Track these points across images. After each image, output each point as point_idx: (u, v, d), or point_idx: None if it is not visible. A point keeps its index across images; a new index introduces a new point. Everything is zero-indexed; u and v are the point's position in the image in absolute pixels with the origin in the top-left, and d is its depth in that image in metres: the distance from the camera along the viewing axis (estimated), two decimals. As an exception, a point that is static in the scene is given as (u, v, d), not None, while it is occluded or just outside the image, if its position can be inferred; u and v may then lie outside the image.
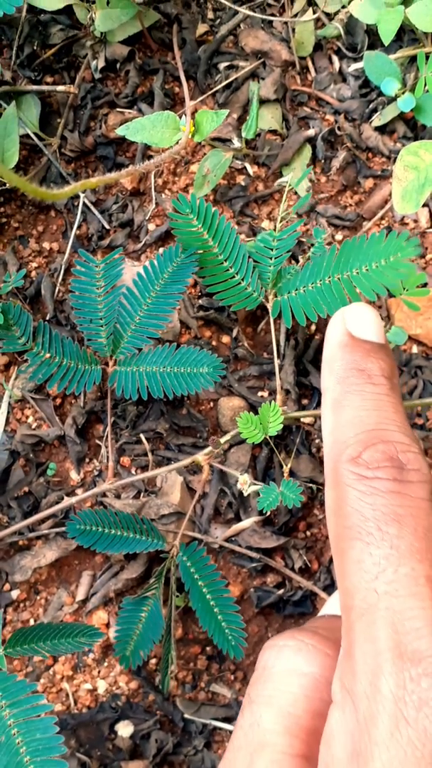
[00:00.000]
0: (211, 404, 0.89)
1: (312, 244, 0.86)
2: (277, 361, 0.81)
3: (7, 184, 0.89)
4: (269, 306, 0.78)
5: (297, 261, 0.89)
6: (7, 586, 0.86)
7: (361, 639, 0.38)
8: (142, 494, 0.87)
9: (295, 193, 0.92)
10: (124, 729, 0.84)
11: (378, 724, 0.35)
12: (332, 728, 0.38)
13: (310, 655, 0.43)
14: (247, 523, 0.86)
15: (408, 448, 0.42)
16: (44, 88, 0.93)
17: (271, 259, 0.79)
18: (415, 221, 0.92)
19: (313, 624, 0.50)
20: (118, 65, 0.94)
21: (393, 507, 0.40)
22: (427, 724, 0.34)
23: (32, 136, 0.92)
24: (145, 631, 0.80)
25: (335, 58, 0.95)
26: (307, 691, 0.42)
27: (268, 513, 0.85)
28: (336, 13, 0.94)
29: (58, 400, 0.89)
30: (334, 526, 0.42)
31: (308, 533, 0.88)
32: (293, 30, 0.94)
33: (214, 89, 0.93)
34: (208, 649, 0.87)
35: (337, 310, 0.50)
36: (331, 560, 0.87)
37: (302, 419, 0.88)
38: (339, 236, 0.92)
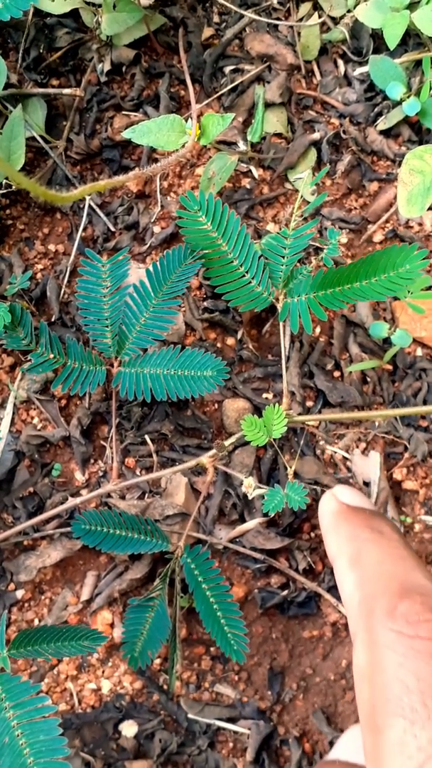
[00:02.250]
0: (216, 406, 0.90)
1: (318, 247, 0.87)
2: (282, 364, 0.81)
3: (14, 187, 0.90)
4: (279, 307, 0.78)
5: (302, 262, 0.89)
6: (11, 586, 0.87)
7: None
8: (146, 495, 0.88)
9: (301, 196, 0.92)
10: (129, 729, 0.84)
11: None
12: None
13: None
14: (251, 524, 0.87)
15: None
16: (50, 91, 0.93)
17: (283, 258, 0.78)
18: (420, 224, 0.93)
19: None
20: (123, 68, 0.95)
21: None
22: None
23: (38, 138, 0.92)
24: (152, 631, 0.80)
25: (340, 62, 0.95)
26: None
27: (273, 514, 0.86)
28: (341, 17, 0.94)
29: (63, 401, 0.89)
30: (369, 696, 0.36)
31: (312, 534, 0.88)
32: (299, 34, 0.94)
33: (220, 92, 0.94)
34: (212, 649, 0.87)
35: (326, 492, 0.50)
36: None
37: (307, 422, 0.88)
38: (344, 239, 0.92)
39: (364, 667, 0.37)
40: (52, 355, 0.80)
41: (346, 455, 0.89)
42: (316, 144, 0.93)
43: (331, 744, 0.86)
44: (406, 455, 0.89)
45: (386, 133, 0.94)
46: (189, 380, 0.79)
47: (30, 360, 0.81)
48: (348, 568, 0.42)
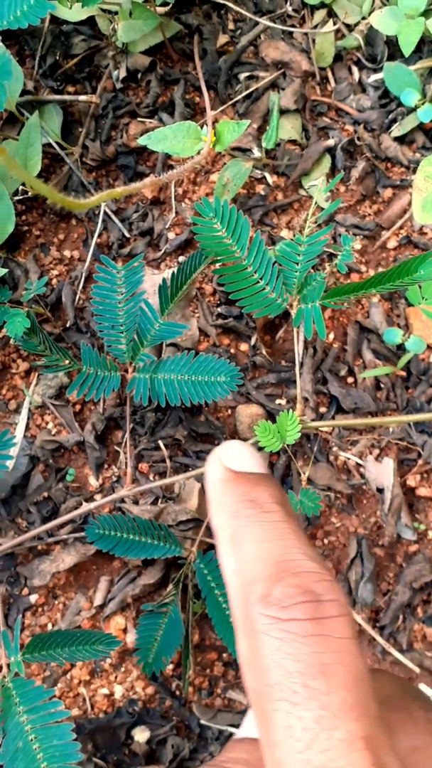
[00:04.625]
0: (229, 411, 0.90)
1: (332, 253, 0.87)
2: (296, 370, 0.81)
3: (30, 193, 0.90)
4: (293, 313, 0.78)
5: (316, 268, 0.89)
6: (25, 591, 0.87)
7: None
8: (160, 500, 0.88)
9: (315, 202, 0.93)
10: (141, 734, 0.84)
11: None
12: None
13: None
14: (264, 530, 0.86)
15: (321, 577, 0.38)
16: (66, 97, 0.94)
17: (297, 264, 0.78)
18: (434, 231, 0.93)
19: (230, 755, 0.45)
20: (139, 75, 0.95)
21: (317, 655, 0.35)
22: None
23: (54, 145, 0.93)
24: (165, 637, 0.80)
25: (355, 69, 0.95)
26: None
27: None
28: (356, 24, 0.95)
29: (78, 407, 0.90)
30: (253, 683, 0.36)
31: (326, 540, 0.88)
32: (313, 41, 0.95)
33: (235, 99, 0.94)
34: (224, 655, 0.87)
35: (212, 452, 0.48)
36: (349, 566, 0.87)
37: (320, 427, 0.88)
38: (358, 245, 0.92)
39: (246, 654, 0.37)
40: (67, 361, 0.80)
41: (360, 461, 0.89)
42: (331, 150, 0.93)
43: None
44: (420, 462, 0.89)
45: (400, 140, 0.94)
46: (203, 386, 0.79)
47: (43, 360, 0.81)
48: (228, 549, 0.42)
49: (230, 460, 0.47)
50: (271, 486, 0.45)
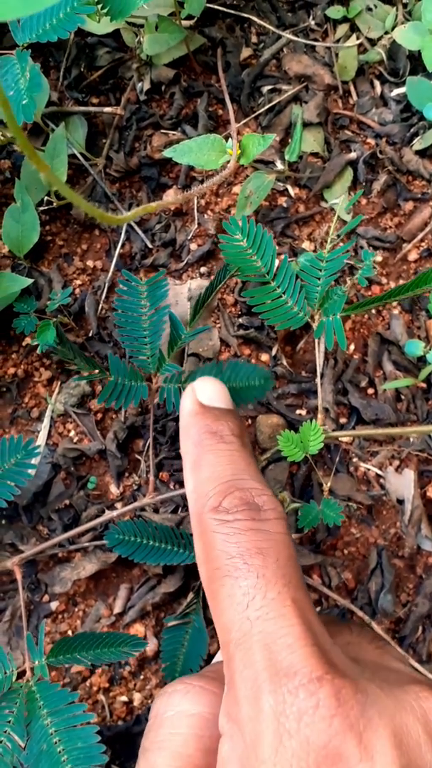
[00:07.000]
0: (249, 421, 0.91)
1: (353, 266, 0.87)
2: (317, 380, 0.82)
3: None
4: (314, 325, 0.78)
5: (337, 282, 0.90)
6: (46, 597, 0.88)
7: (240, 666, 0.39)
8: (180, 509, 0.88)
9: (338, 217, 0.93)
10: (161, 742, 0.85)
11: (263, 742, 0.37)
12: (223, 758, 0.40)
13: (197, 696, 0.46)
14: (284, 540, 0.87)
15: (262, 492, 0.46)
16: (91, 109, 0.95)
17: (319, 279, 0.79)
18: (455, 244, 0.93)
19: (204, 669, 0.52)
20: (163, 87, 0.96)
21: (255, 542, 0.43)
22: (308, 732, 0.36)
23: (78, 156, 0.94)
24: (191, 648, 0.80)
25: (377, 83, 0.96)
26: (196, 731, 0.45)
27: (307, 531, 0.86)
28: (379, 39, 0.95)
29: (99, 415, 0.90)
30: (205, 572, 0.45)
31: (346, 551, 0.88)
32: (336, 55, 0.95)
33: (258, 112, 0.95)
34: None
35: (188, 386, 0.57)
36: (368, 577, 0.87)
37: (341, 438, 0.89)
38: (379, 258, 0.93)
39: (200, 552, 0.46)
40: (96, 370, 0.81)
41: (380, 473, 0.89)
42: (353, 163, 0.94)
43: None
44: (440, 474, 0.89)
45: (422, 154, 0.95)
46: (236, 392, 0.80)
47: (73, 366, 0.82)
48: (190, 472, 0.51)
49: (202, 395, 0.55)
50: (232, 420, 0.53)
